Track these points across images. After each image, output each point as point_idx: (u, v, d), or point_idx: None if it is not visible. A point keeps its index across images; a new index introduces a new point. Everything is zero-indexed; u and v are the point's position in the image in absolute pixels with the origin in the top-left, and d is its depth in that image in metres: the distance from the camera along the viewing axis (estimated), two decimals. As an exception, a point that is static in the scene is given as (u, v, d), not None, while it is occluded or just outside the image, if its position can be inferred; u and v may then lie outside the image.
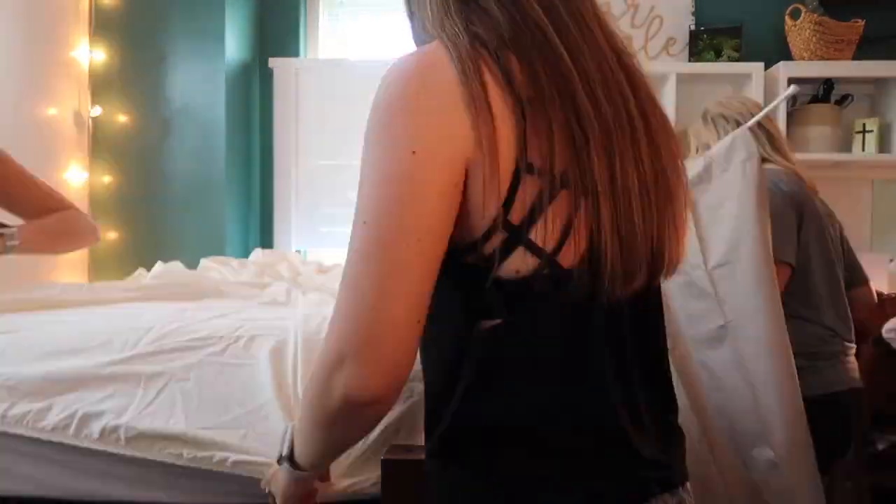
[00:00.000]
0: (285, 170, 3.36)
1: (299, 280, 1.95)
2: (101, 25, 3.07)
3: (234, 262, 2.26)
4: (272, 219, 3.39)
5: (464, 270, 0.72)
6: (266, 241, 3.32)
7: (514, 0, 0.74)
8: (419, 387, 1.12)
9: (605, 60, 0.75)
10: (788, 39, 3.10)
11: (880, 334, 2.45)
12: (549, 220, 0.70)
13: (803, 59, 3.06)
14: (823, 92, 3.13)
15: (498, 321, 0.72)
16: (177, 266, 2.15)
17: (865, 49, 3.05)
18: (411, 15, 0.83)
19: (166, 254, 2.30)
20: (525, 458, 0.73)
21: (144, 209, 3.06)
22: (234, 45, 3.16)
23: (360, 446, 1.07)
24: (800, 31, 3.04)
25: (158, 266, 2.13)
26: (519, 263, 0.71)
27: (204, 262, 2.28)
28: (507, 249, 0.70)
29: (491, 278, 0.71)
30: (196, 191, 3.11)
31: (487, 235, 0.70)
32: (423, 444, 0.83)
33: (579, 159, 0.70)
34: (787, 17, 3.08)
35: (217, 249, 2.85)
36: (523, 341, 0.73)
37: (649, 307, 0.81)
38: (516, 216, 0.70)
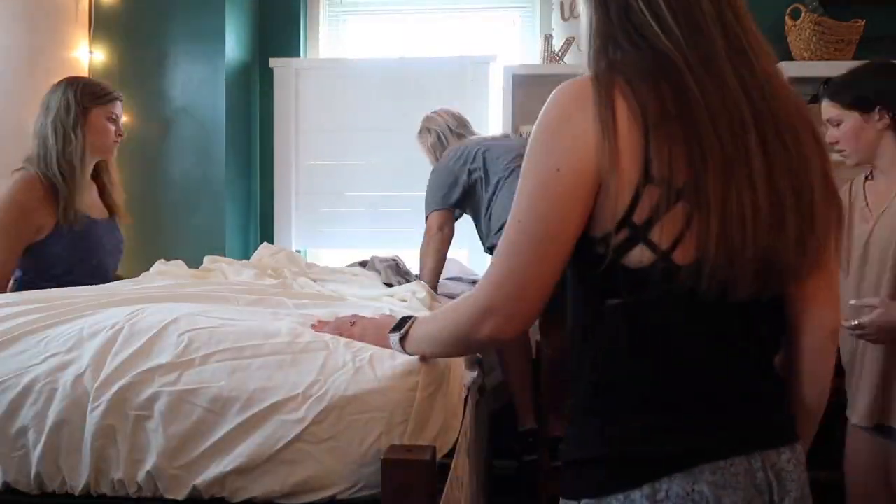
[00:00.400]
0: (285, 170, 3.36)
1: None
2: (101, 25, 3.07)
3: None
4: (272, 219, 3.39)
5: (595, 259, 0.90)
6: (266, 242, 3.32)
7: (653, 44, 0.90)
8: (418, 387, 1.13)
9: (729, 96, 0.88)
10: (788, 39, 3.10)
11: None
12: (665, 224, 0.86)
13: (803, 59, 3.06)
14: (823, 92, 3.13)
15: (619, 301, 0.91)
16: (179, 265, 2.15)
17: (865, 49, 3.05)
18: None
19: (166, 254, 2.30)
20: (636, 410, 0.93)
21: (144, 209, 3.06)
22: (234, 45, 3.16)
23: (361, 446, 1.08)
24: (800, 31, 3.04)
25: (160, 264, 2.13)
26: (640, 256, 0.88)
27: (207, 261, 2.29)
28: (629, 244, 0.88)
29: (618, 266, 0.89)
30: (196, 191, 3.11)
31: (615, 232, 0.88)
32: (422, 444, 1.05)
33: (696, 179, 0.85)
34: (787, 17, 3.08)
35: (217, 249, 2.85)
36: (639, 320, 0.91)
37: (762, 311, 0.95)
38: (639, 218, 0.86)
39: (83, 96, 2.10)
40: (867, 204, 1.87)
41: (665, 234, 0.86)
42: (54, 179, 2.05)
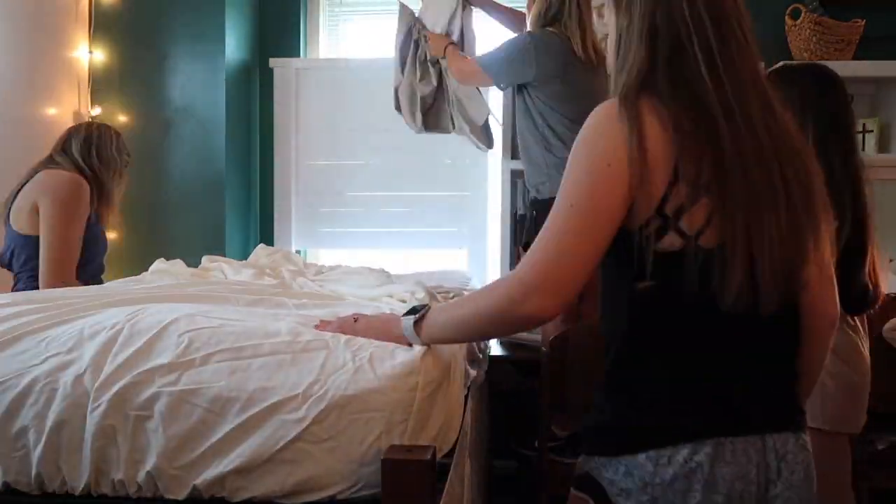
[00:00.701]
0: (285, 170, 3.36)
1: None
2: (101, 25, 3.07)
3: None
4: (272, 219, 3.39)
5: (632, 248, 1.04)
6: (266, 242, 3.31)
7: (689, 82, 1.04)
8: (419, 387, 1.14)
9: (750, 119, 1.04)
10: (788, 39, 3.10)
11: (881, 333, 2.45)
12: (693, 214, 1.01)
13: (803, 59, 3.06)
14: (823, 92, 3.13)
15: (651, 283, 1.04)
16: (179, 264, 2.15)
17: (865, 49, 3.05)
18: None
19: (166, 254, 2.30)
20: (652, 385, 1.07)
21: (144, 209, 3.07)
22: (234, 45, 3.16)
23: (361, 446, 1.08)
24: (800, 31, 3.04)
25: (159, 263, 2.13)
26: (672, 241, 1.02)
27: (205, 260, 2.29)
28: (662, 232, 1.02)
29: (651, 251, 1.02)
30: (196, 191, 3.11)
31: (649, 222, 1.02)
32: (422, 444, 1.07)
33: (719, 179, 1.00)
34: (787, 17, 3.08)
35: (217, 249, 2.85)
36: (668, 299, 1.05)
37: (782, 308, 1.06)
38: (669, 209, 1.01)
39: (127, 162, 2.56)
40: None
41: (693, 222, 1.01)
42: (96, 173, 2.38)
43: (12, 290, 2.25)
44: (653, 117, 1.03)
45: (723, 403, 1.04)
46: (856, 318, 1.94)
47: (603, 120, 1.06)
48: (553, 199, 1.08)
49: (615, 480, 1.07)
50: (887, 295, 2.56)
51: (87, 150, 2.40)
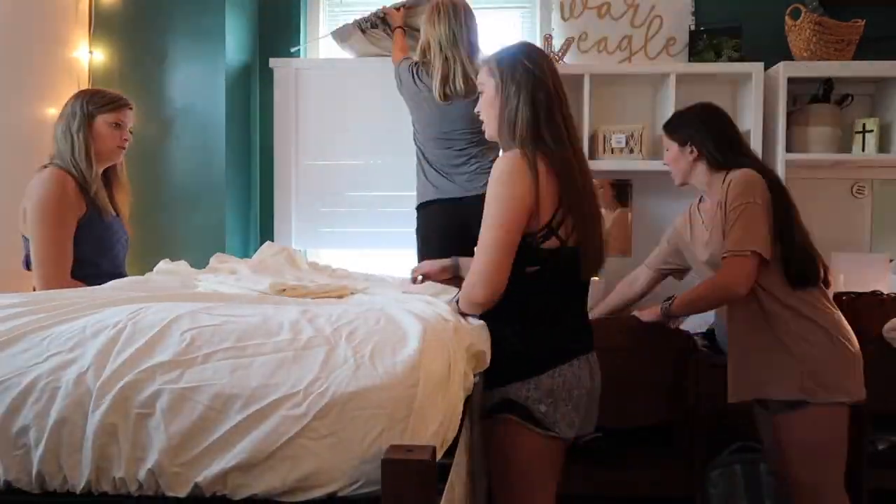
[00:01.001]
0: (285, 170, 3.36)
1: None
2: (101, 25, 3.08)
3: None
4: (272, 219, 3.39)
5: (528, 248, 1.66)
6: (269, 240, 3.32)
7: (555, 131, 1.71)
8: (420, 384, 1.14)
9: (578, 161, 1.74)
10: (788, 39, 3.11)
11: (881, 334, 2.45)
12: (566, 226, 1.68)
13: (803, 59, 3.06)
14: (823, 92, 3.14)
15: (537, 268, 1.68)
16: (183, 265, 2.15)
17: (865, 49, 3.05)
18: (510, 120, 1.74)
19: (166, 253, 2.30)
20: (541, 329, 1.73)
21: (144, 209, 3.07)
22: (234, 45, 3.17)
23: (363, 443, 1.08)
24: (800, 31, 3.04)
25: (164, 263, 2.13)
26: (552, 243, 1.67)
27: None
28: (547, 237, 1.67)
29: (539, 249, 1.67)
30: (196, 191, 3.11)
31: (540, 230, 1.66)
32: (422, 444, 1.07)
33: (575, 205, 1.68)
34: (787, 17, 3.09)
35: (217, 249, 2.84)
36: (548, 280, 1.70)
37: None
38: (554, 224, 1.67)
39: (89, 104, 2.29)
40: (702, 221, 2.31)
41: (565, 230, 1.67)
42: (77, 173, 2.23)
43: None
44: (543, 164, 1.65)
45: (576, 337, 1.76)
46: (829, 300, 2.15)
47: (516, 165, 1.64)
48: None
49: (530, 395, 1.67)
50: (887, 295, 2.57)
51: (62, 138, 2.25)
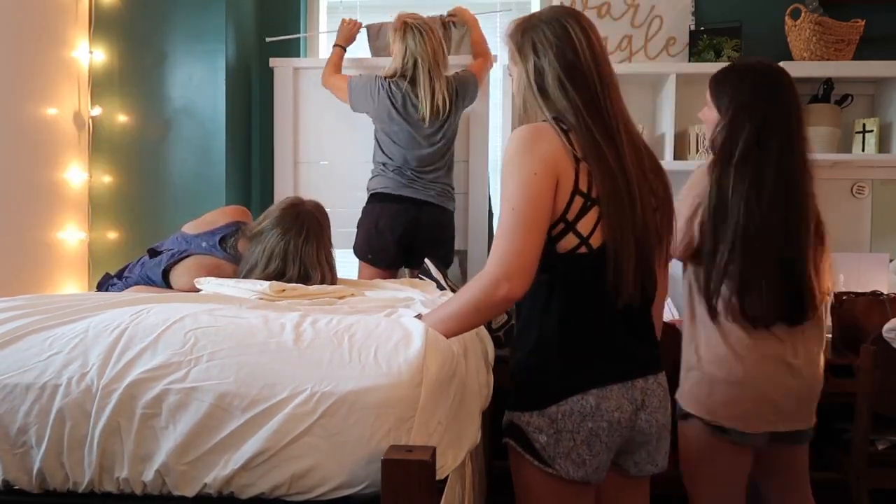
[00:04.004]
0: (285, 170, 3.36)
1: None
2: (101, 25, 3.07)
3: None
4: (272, 219, 3.38)
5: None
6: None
7: (572, 99, 1.39)
8: (423, 384, 1.14)
9: (623, 143, 1.40)
10: (788, 39, 3.11)
11: (880, 334, 2.45)
12: (587, 220, 1.35)
13: (803, 59, 3.06)
14: (823, 92, 3.14)
15: (546, 275, 1.36)
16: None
17: (865, 49, 3.05)
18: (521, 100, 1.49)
19: (167, 254, 2.30)
20: (552, 353, 1.40)
21: (144, 209, 3.07)
22: (234, 45, 3.17)
23: (368, 442, 1.08)
24: (800, 31, 3.04)
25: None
26: (571, 240, 1.36)
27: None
28: (563, 233, 1.35)
29: (555, 248, 1.36)
30: (196, 191, 3.11)
31: (555, 225, 1.35)
32: (422, 445, 1.08)
33: (605, 193, 1.34)
34: (787, 17, 3.09)
35: (217, 249, 2.85)
36: (568, 279, 1.37)
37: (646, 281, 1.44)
38: (570, 216, 1.35)
39: None
40: None
41: (586, 225, 1.35)
42: None
43: None
44: (560, 142, 1.35)
45: (604, 361, 1.40)
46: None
47: (533, 135, 1.37)
48: None
49: (531, 421, 1.40)
50: (887, 295, 2.56)
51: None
